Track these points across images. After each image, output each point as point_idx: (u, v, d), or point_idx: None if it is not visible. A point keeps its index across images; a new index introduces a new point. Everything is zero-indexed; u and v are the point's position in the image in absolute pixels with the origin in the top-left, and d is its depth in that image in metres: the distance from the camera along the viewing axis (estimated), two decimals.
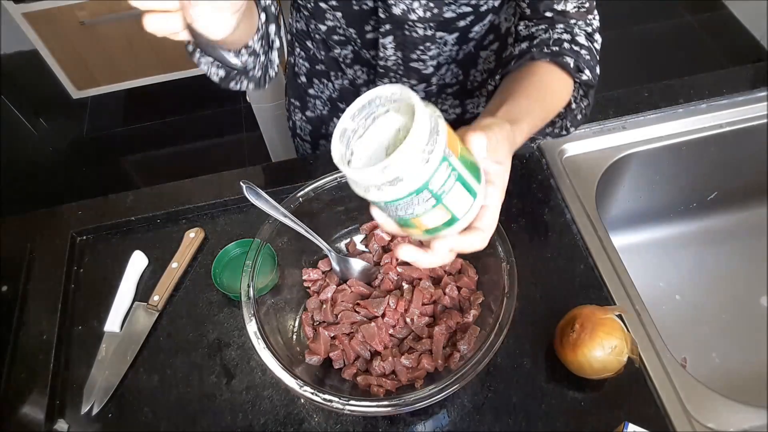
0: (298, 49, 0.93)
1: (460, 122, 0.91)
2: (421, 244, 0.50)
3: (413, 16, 0.70)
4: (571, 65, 0.67)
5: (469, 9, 0.72)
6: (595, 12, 0.72)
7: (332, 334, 0.67)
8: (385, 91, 0.45)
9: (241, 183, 0.66)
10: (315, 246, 0.70)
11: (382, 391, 0.62)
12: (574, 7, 0.70)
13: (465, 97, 0.92)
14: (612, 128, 0.91)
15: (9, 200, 2.02)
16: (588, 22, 0.71)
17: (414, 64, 0.79)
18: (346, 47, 0.82)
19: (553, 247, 0.79)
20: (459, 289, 0.69)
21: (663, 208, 1.05)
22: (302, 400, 0.69)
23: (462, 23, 0.74)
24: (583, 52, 0.68)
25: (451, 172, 0.43)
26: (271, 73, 0.73)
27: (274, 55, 0.72)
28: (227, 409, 0.69)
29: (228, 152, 2.12)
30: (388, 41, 0.76)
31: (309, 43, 0.89)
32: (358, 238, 0.77)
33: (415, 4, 0.69)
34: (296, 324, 0.71)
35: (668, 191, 1.02)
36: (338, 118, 0.94)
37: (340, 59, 0.86)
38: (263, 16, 0.64)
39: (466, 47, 0.81)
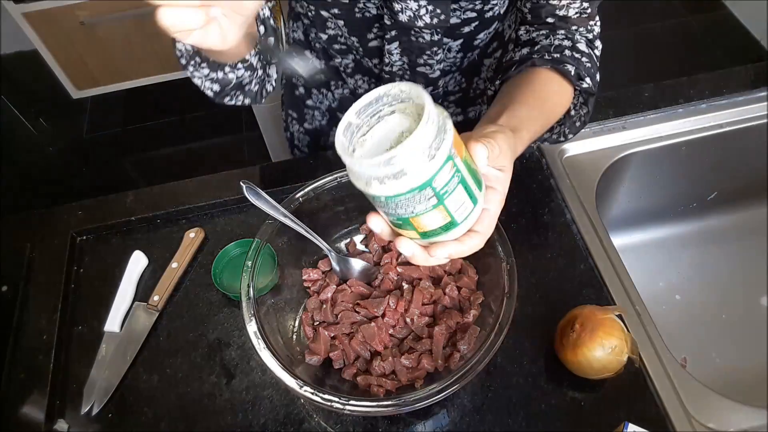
0: None
1: (461, 129, 0.91)
2: None
3: (420, 23, 0.69)
4: (572, 73, 0.66)
5: (473, 14, 0.71)
6: (597, 18, 0.71)
7: (332, 334, 0.67)
8: (394, 88, 0.44)
9: (241, 183, 0.65)
10: (315, 246, 0.70)
11: (382, 391, 0.62)
12: (576, 13, 0.69)
13: (467, 105, 0.91)
14: (612, 128, 0.91)
15: (9, 200, 2.02)
16: (589, 28, 0.71)
17: (421, 69, 0.79)
18: (347, 56, 0.82)
19: (553, 247, 0.79)
20: (459, 289, 0.69)
21: (663, 208, 1.05)
22: (302, 400, 0.69)
23: (467, 29, 0.73)
24: (584, 59, 0.68)
25: (455, 174, 0.43)
26: (269, 87, 0.72)
27: (273, 70, 0.71)
28: (227, 409, 0.69)
29: (228, 152, 2.12)
30: (393, 47, 0.75)
31: (307, 53, 0.89)
32: (358, 238, 0.77)
33: (422, 11, 0.68)
34: (296, 324, 0.71)
35: (668, 191, 1.02)
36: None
37: (341, 68, 0.85)
38: (262, 28, 0.63)
39: (470, 54, 0.80)
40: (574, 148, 0.90)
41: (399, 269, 0.71)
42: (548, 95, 0.66)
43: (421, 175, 0.41)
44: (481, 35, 0.76)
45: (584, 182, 0.86)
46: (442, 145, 0.41)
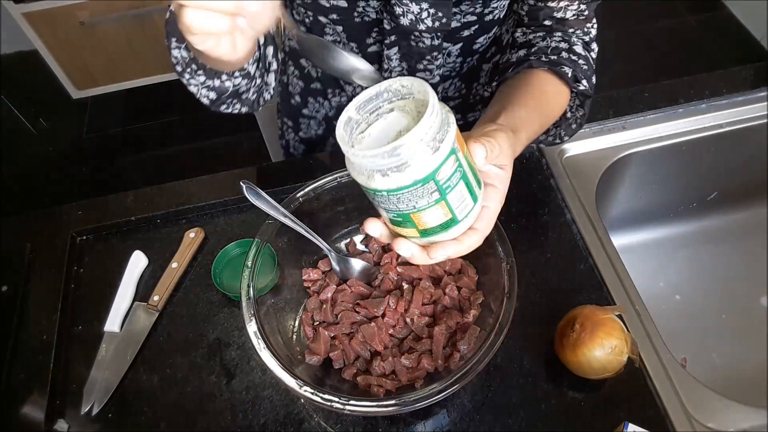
0: (291, 68, 0.91)
1: (461, 131, 0.91)
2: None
3: (422, 26, 0.68)
4: (569, 75, 0.66)
5: (474, 18, 0.71)
6: (594, 20, 0.71)
7: (332, 334, 0.67)
8: (395, 83, 0.44)
9: (241, 183, 0.65)
10: (315, 246, 0.70)
11: (382, 391, 0.62)
12: (573, 15, 0.69)
13: (467, 111, 0.91)
14: (612, 128, 0.91)
15: (9, 200, 2.02)
16: (586, 30, 0.71)
17: (420, 74, 0.78)
18: None
19: (553, 247, 0.79)
20: (459, 289, 0.69)
21: (663, 208, 1.05)
22: (302, 400, 0.69)
23: (466, 33, 0.73)
24: (580, 61, 0.68)
25: (458, 168, 0.43)
26: (266, 96, 0.72)
27: (271, 78, 0.70)
28: (227, 409, 0.69)
29: (228, 152, 2.12)
30: (393, 52, 0.74)
31: (303, 61, 0.87)
32: (358, 238, 0.77)
33: (424, 14, 0.67)
34: (296, 324, 0.71)
35: (668, 191, 1.02)
36: (333, 137, 0.94)
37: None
38: (261, 37, 0.63)
39: (470, 59, 0.80)
40: (574, 148, 0.90)
41: (399, 269, 0.71)
42: (545, 96, 0.66)
43: (425, 167, 0.41)
44: (481, 39, 0.76)
45: (584, 182, 0.86)
46: (446, 137, 0.41)
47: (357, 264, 0.73)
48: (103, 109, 2.32)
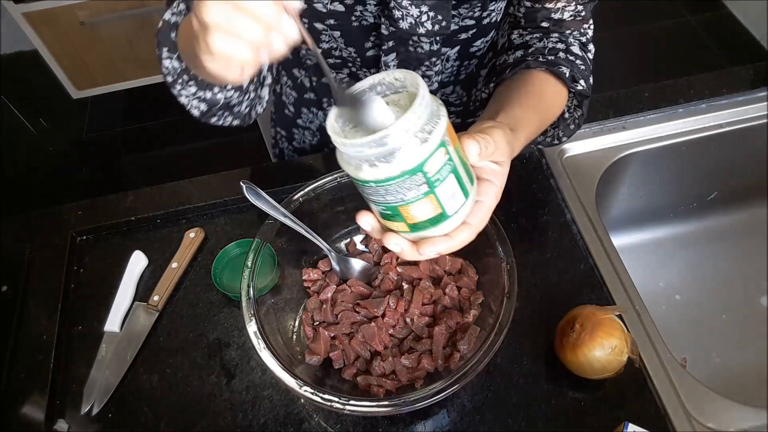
0: (285, 78, 0.90)
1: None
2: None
3: (421, 30, 0.67)
4: (567, 75, 0.66)
5: (472, 22, 0.71)
6: (591, 21, 0.71)
7: (332, 334, 0.67)
8: (388, 76, 0.44)
9: (241, 183, 0.65)
10: (315, 246, 0.70)
11: (382, 391, 0.63)
12: (571, 16, 0.69)
13: (467, 116, 0.91)
14: (612, 128, 0.91)
15: (9, 200, 2.02)
16: (582, 31, 0.71)
17: None
18: (342, 70, 0.79)
19: (553, 247, 0.79)
20: (459, 289, 0.69)
21: (663, 208, 1.05)
22: (302, 400, 0.69)
23: (464, 36, 0.73)
24: (578, 62, 0.68)
25: (448, 162, 0.42)
26: (259, 109, 0.71)
27: (264, 92, 0.70)
28: (227, 409, 0.69)
29: (228, 152, 2.12)
30: (390, 58, 0.73)
31: (296, 71, 0.86)
32: (358, 238, 0.77)
33: (423, 18, 0.66)
34: (296, 324, 0.71)
35: (668, 191, 1.02)
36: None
37: (344, 84, 0.83)
38: None
39: (467, 63, 0.80)
40: (574, 148, 0.90)
41: (399, 269, 0.71)
42: (543, 96, 0.66)
43: (413, 158, 0.40)
44: (478, 43, 0.75)
45: (584, 182, 0.86)
46: (435, 129, 0.41)
47: (357, 264, 0.73)
48: (103, 109, 2.32)
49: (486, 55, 0.80)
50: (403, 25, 0.67)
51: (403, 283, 0.70)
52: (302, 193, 0.69)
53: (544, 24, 0.70)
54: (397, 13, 0.66)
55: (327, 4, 0.67)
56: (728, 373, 0.92)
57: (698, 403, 0.66)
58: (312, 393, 0.55)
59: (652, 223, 1.07)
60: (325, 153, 0.93)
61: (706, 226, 1.08)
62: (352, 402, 0.55)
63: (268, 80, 0.69)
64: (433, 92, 0.79)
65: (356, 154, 0.41)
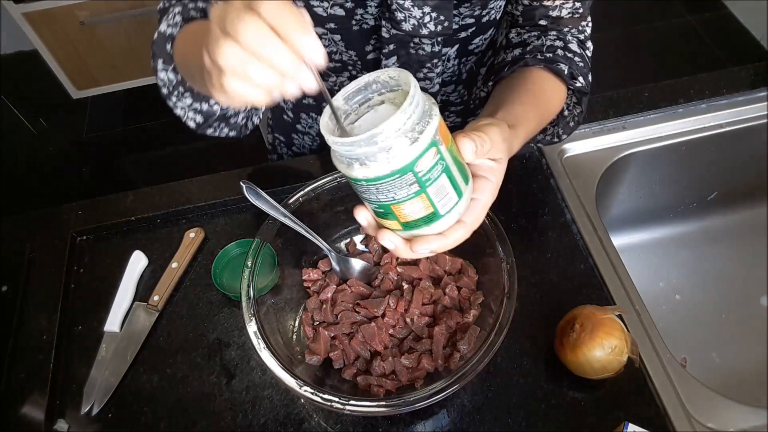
0: None
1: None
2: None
3: (424, 31, 0.67)
4: (566, 72, 0.66)
5: (471, 20, 0.71)
6: (589, 19, 0.71)
7: (332, 334, 0.67)
8: (383, 74, 0.44)
9: (241, 183, 0.65)
10: (315, 246, 0.70)
11: (382, 391, 0.63)
12: (569, 14, 0.69)
13: (467, 115, 0.91)
14: (612, 128, 0.91)
15: (9, 200, 2.02)
16: (580, 29, 0.71)
17: (420, 83, 0.77)
18: (342, 74, 0.78)
19: (553, 247, 0.79)
20: (459, 289, 0.69)
21: (663, 208, 1.05)
22: (302, 400, 0.69)
23: (463, 35, 0.73)
24: (576, 59, 0.68)
25: (439, 161, 0.42)
26: (255, 120, 0.71)
27: None
28: (227, 409, 0.69)
29: (228, 152, 2.11)
30: (391, 62, 0.73)
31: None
32: (358, 238, 0.77)
33: (426, 18, 0.66)
34: (296, 324, 0.71)
35: (668, 191, 1.02)
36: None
37: (336, 88, 0.82)
38: None
39: (466, 61, 0.79)
40: (574, 148, 0.90)
41: (399, 269, 0.71)
42: (542, 93, 0.66)
43: (403, 157, 0.40)
44: (477, 41, 0.75)
45: (584, 182, 0.86)
46: (426, 129, 0.41)
47: (357, 264, 0.73)
48: (103, 109, 2.32)
49: (485, 52, 0.80)
50: (406, 27, 0.67)
51: (403, 283, 0.70)
52: (302, 193, 0.69)
53: (542, 22, 0.70)
54: (400, 15, 0.66)
55: (327, 8, 0.67)
56: (728, 373, 0.92)
57: (698, 403, 0.66)
58: (312, 393, 0.55)
59: (652, 223, 1.07)
60: (325, 154, 0.93)
61: (706, 226, 1.08)
62: (352, 402, 0.55)
63: None
64: (434, 94, 0.80)
65: (347, 152, 0.41)
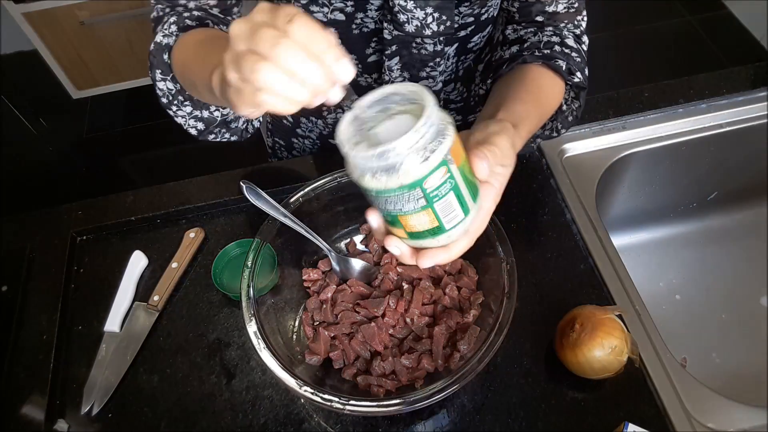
0: None
1: (460, 131, 0.90)
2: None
3: (427, 32, 0.68)
4: (563, 68, 0.66)
5: (471, 19, 0.71)
6: (584, 13, 0.71)
7: (332, 334, 0.67)
8: (405, 88, 0.45)
9: (241, 183, 0.66)
10: (315, 246, 0.70)
11: (382, 391, 0.63)
12: (564, 8, 0.69)
13: (468, 113, 0.91)
14: (612, 128, 0.91)
15: (9, 200, 2.02)
16: (576, 23, 0.71)
17: (423, 82, 0.77)
18: None
19: (553, 247, 0.79)
20: (459, 289, 0.69)
21: (663, 208, 1.05)
22: (302, 400, 0.69)
23: (462, 33, 0.73)
24: (573, 54, 0.68)
25: (448, 180, 0.43)
26: (255, 123, 0.71)
27: None
28: (227, 409, 0.69)
29: (228, 152, 2.11)
30: (394, 62, 0.73)
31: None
32: (358, 238, 0.77)
33: (429, 19, 0.67)
34: (296, 324, 0.71)
35: (668, 191, 1.02)
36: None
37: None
38: None
39: (464, 59, 0.80)
40: (574, 148, 0.90)
41: (399, 269, 0.71)
42: (541, 90, 0.66)
43: (412, 174, 0.41)
44: (475, 39, 0.75)
45: (584, 182, 0.86)
46: (438, 148, 0.42)
47: (357, 264, 0.73)
48: (103, 109, 2.32)
49: (483, 49, 0.81)
50: (409, 28, 0.67)
51: (403, 283, 0.70)
52: (302, 193, 0.69)
53: (539, 18, 0.70)
54: (402, 17, 0.66)
55: (327, 13, 0.67)
56: (728, 373, 0.92)
57: (698, 403, 0.66)
58: (312, 393, 0.55)
59: (652, 223, 1.07)
60: (325, 154, 0.93)
61: (706, 226, 1.08)
62: (352, 402, 0.55)
63: None
64: (437, 92, 0.80)
65: (359, 162, 0.42)
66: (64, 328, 0.76)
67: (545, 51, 0.67)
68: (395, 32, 0.68)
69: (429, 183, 0.42)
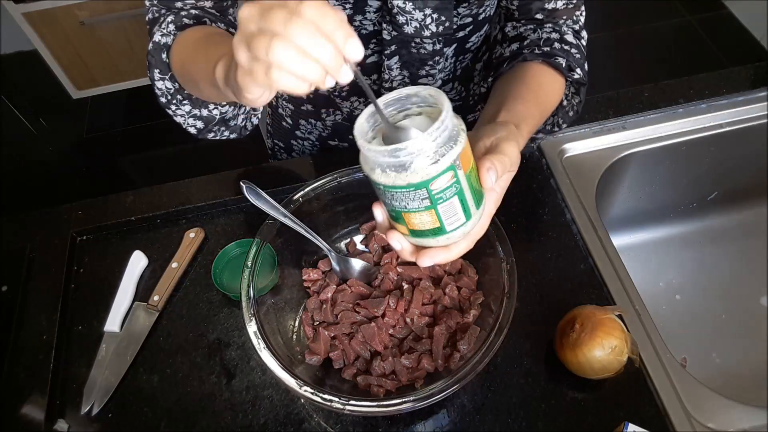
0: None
1: None
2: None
3: (426, 32, 0.68)
4: (563, 65, 0.67)
5: (469, 19, 0.71)
6: (582, 8, 0.72)
7: (332, 334, 0.67)
8: (423, 91, 0.46)
9: (241, 183, 0.66)
10: (315, 246, 0.70)
11: (382, 391, 0.63)
12: (563, 5, 0.70)
13: (467, 112, 0.91)
14: (612, 128, 0.91)
15: (9, 200, 2.02)
16: (575, 19, 0.71)
17: (423, 81, 0.78)
18: None
19: (553, 247, 0.79)
20: (459, 289, 0.69)
21: (663, 208, 1.05)
22: (302, 400, 0.69)
23: (461, 33, 0.73)
24: (573, 50, 0.69)
25: (454, 184, 0.44)
26: (254, 120, 0.71)
27: None
28: (227, 409, 0.69)
29: (228, 152, 2.12)
30: (393, 62, 0.73)
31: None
32: (358, 238, 0.77)
33: (428, 20, 0.67)
34: (296, 324, 0.71)
35: (668, 191, 1.02)
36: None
37: (335, 93, 0.83)
38: None
39: (462, 58, 0.80)
40: (574, 148, 0.90)
41: (399, 269, 0.71)
42: (542, 88, 0.66)
43: (420, 174, 0.43)
44: (473, 38, 0.76)
45: (584, 182, 0.86)
46: (448, 153, 0.43)
47: (357, 264, 0.73)
48: (103, 109, 2.32)
49: (480, 48, 0.81)
50: (408, 29, 0.68)
51: (403, 283, 0.70)
52: (302, 193, 0.69)
53: (538, 15, 0.70)
54: (401, 19, 0.66)
55: None
56: (728, 373, 0.92)
57: (698, 403, 0.66)
58: (312, 393, 0.55)
59: (652, 223, 1.07)
60: (325, 155, 0.93)
61: (706, 226, 1.08)
62: (352, 402, 0.55)
63: None
64: None
65: (372, 157, 0.44)
66: (64, 328, 0.76)
67: (545, 48, 0.68)
68: (394, 33, 0.68)
69: (435, 185, 0.43)
